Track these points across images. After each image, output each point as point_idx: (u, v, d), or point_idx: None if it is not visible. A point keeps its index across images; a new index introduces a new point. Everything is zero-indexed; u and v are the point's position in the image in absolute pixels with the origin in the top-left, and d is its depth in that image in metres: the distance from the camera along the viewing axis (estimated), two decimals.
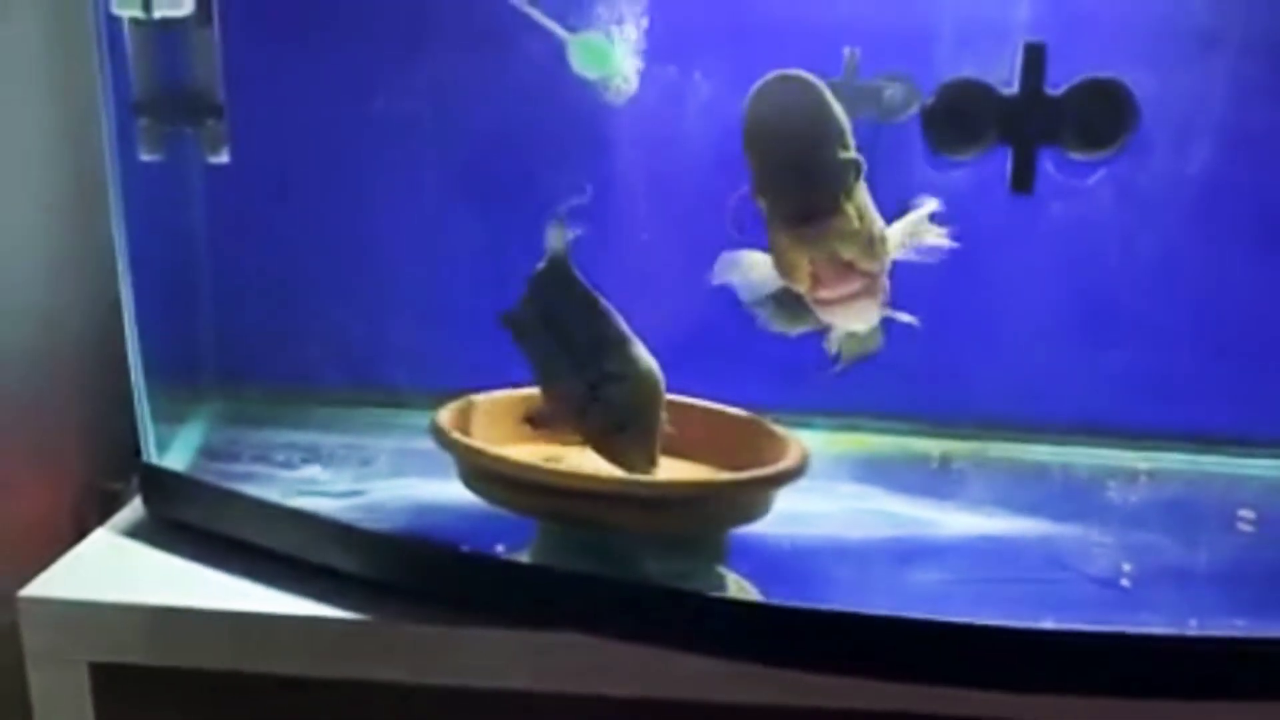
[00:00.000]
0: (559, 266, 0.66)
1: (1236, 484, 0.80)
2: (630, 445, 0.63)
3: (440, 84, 0.79)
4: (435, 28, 0.79)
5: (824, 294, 0.62)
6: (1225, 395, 0.80)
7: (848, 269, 0.61)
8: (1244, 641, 0.57)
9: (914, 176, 0.71)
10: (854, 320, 0.66)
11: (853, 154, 0.60)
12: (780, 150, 0.60)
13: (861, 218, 0.60)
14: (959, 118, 0.68)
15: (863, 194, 0.61)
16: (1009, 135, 0.70)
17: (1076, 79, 0.71)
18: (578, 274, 0.66)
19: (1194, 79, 0.70)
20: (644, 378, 0.64)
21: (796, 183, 0.60)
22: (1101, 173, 0.70)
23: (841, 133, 0.61)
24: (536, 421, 0.67)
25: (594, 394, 0.63)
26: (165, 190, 0.80)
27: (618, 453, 0.64)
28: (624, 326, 0.64)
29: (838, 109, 0.60)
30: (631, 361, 0.64)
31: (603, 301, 0.65)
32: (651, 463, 0.63)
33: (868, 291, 0.63)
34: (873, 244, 0.61)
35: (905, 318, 0.65)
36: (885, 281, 0.64)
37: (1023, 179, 0.69)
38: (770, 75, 0.60)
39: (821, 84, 0.60)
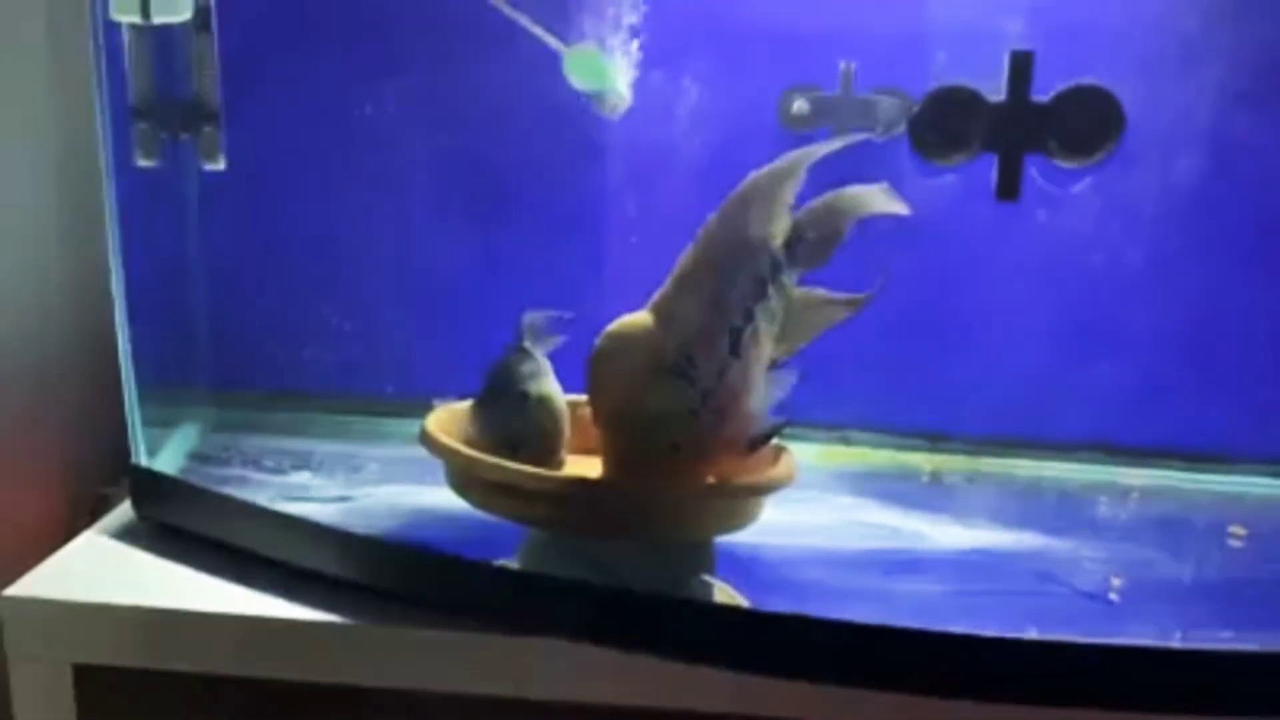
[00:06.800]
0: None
1: (1228, 501, 0.80)
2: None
3: (435, 93, 0.79)
4: (431, 37, 0.79)
5: None
6: (1217, 412, 0.80)
7: None
8: (1232, 656, 0.57)
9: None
10: None
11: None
12: None
13: None
14: (946, 124, 0.68)
15: None
16: (995, 142, 0.70)
17: (1063, 86, 0.71)
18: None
19: (1181, 88, 0.71)
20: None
21: None
22: (1087, 180, 0.70)
23: None
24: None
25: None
26: (160, 196, 0.81)
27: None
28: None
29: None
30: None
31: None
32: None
33: None
34: None
35: None
36: None
37: (1009, 187, 0.69)
38: None
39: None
